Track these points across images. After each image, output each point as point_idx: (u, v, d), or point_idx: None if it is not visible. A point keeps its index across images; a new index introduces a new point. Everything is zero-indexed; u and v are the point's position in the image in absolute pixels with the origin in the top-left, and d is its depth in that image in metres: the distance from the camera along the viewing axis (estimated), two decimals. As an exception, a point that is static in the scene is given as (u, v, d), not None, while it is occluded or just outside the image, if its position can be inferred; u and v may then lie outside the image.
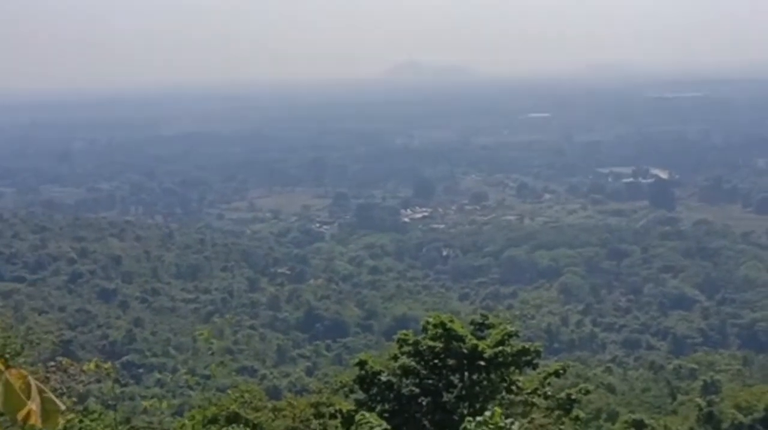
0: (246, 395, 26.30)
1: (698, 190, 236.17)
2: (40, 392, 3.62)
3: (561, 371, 23.94)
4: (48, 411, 3.77)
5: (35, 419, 3.73)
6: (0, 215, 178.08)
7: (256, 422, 23.46)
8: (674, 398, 64.31)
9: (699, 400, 56.17)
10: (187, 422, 23.36)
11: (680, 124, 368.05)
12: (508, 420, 10.87)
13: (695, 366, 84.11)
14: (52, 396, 3.62)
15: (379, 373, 22.89)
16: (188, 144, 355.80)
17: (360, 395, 23.71)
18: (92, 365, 18.74)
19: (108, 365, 21.70)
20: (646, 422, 50.17)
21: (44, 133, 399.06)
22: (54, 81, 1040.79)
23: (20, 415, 3.44)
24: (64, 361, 22.71)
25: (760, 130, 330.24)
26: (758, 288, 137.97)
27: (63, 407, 3.78)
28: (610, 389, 72.71)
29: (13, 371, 3.53)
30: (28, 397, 3.63)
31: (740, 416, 50.71)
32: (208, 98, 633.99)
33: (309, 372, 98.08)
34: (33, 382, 3.59)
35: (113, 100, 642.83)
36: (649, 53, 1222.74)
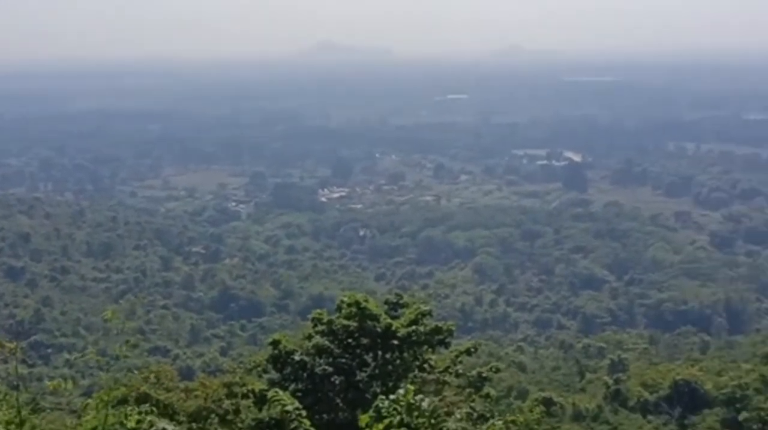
0: (157, 376, 25.85)
1: (610, 172, 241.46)
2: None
3: (473, 350, 24.17)
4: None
5: None
6: None
7: (166, 402, 23.04)
8: (583, 377, 65.82)
9: (606, 378, 57.66)
10: (94, 402, 22.85)
11: (593, 108, 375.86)
12: (419, 397, 10.88)
13: (603, 345, 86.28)
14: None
15: (293, 352, 22.77)
16: (101, 120, 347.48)
17: (273, 375, 23.56)
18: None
19: (13, 344, 21.03)
20: (555, 399, 51.30)
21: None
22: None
23: None
24: (-34, 341, 21.95)
25: (670, 115, 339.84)
26: (665, 269, 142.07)
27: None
28: (521, 367, 74.11)
29: None
30: None
31: (646, 394, 52.26)
32: (124, 74, 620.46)
33: (223, 352, 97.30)
34: None
35: (22, 73, 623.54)
36: (564, 38, 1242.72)
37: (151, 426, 12.97)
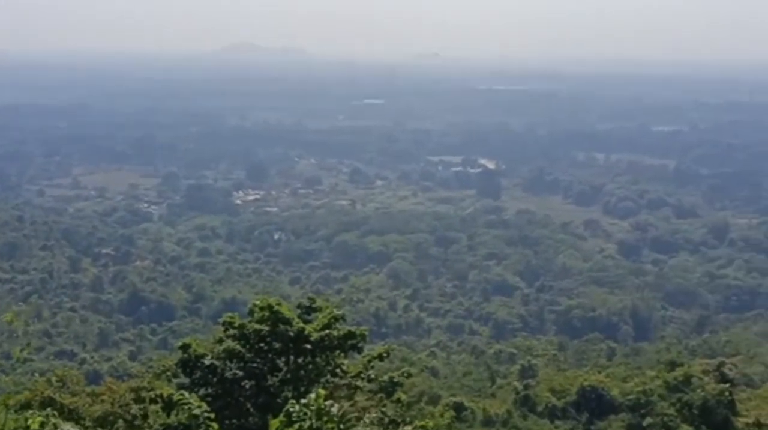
0: (62, 379, 25.23)
1: (522, 180, 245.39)
2: None
3: (385, 355, 24.32)
4: None
5: None
6: None
7: (72, 407, 22.51)
8: (494, 382, 66.63)
9: (516, 383, 58.49)
10: (-5, 407, 22.15)
11: (507, 116, 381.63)
12: (328, 402, 10.88)
13: (514, 351, 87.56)
14: None
15: (203, 356, 22.52)
16: (7, 115, 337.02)
17: (183, 379, 23.25)
18: None
19: None
20: (467, 404, 51.83)
21: None
22: None
23: None
24: None
25: (580, 125, 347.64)
26: (574, 276, 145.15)
27: None
28: (434, 372, 74.66)
29: None
30: None
31: (554, 399, 53.19)
32: (32, 68, 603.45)
33: (132, 356, 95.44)
34: None
35: None
36: (480, 47, 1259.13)
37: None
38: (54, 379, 25.26)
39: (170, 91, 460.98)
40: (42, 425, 12.33)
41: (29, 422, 12.31)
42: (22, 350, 16.42)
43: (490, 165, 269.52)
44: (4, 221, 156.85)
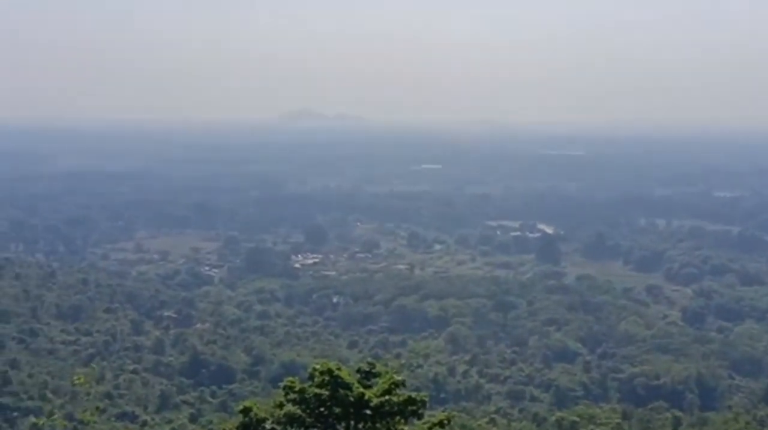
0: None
1: (581, 245, 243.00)
2: None
3: (446, 422, 24.05)
4: None
5: None
6: None
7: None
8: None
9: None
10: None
11: (564, 181, 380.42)
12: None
13: (577, 419, 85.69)
14: None
15: (264, 420, 22.59)
16: (74, 181, 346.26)
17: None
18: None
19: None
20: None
21: None
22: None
23: None
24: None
25: (640, 190, 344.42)
26: (638, 343, 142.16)
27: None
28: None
29: None
30: None
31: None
32: (98, 136, 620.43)
33: (193, 419, 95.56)
34: None
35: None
36: (535, 111, 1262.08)
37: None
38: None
39: (233, 156, 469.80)
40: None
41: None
42: (91, 414, 16.72)
43: (549, 230, 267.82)
44: (69, 284, 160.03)
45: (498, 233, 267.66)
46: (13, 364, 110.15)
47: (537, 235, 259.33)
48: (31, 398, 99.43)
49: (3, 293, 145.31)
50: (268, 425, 22.46)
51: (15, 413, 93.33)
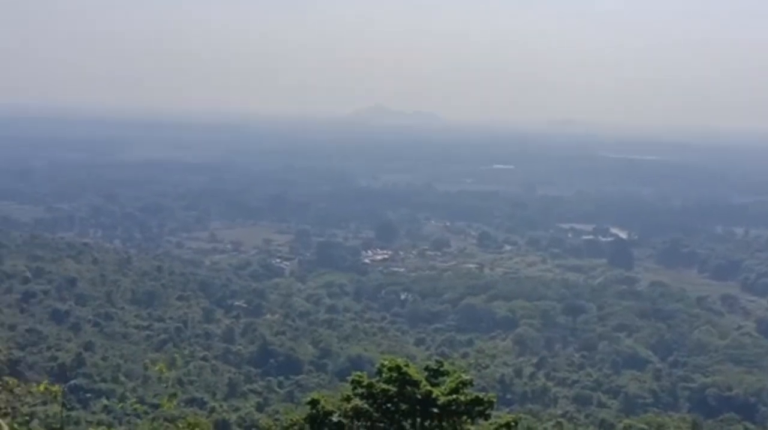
0: (192, 427, 26.00)
1: (655, 252, 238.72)
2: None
3: (513, 424, 23.89)
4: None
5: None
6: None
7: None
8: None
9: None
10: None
11: (639, 186, 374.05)
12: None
13: (645, 427, 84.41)
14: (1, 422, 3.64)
15: (331, 413, 22.77)
16: (152, 170, 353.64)
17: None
18: (41, 387, 18.48)
19: (57, 388, 21.36)
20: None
21: (2, 149, 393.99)
22: (8, 95, 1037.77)
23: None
24: (11, 381, 22.33)
25: (717, 197, 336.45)
26: (710, 353, 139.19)
27: None
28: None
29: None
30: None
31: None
32: (178, 125, 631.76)
33: (259, 408, 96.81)
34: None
35: (79, 120, 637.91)
36: (608, 114, 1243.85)
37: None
38: (185, 426, 26.02)
39: (306, 151, 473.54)
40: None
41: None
42: (168, 400, 17.12)
43: (622, 235, 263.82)
44: (144, 271, 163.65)
45: (569, 235, 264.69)
46: (88, 346, 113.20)
47: (610, 239, 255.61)
48: (104, 380, 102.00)
49: (81, 276, 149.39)
50: (335, 418, 22.63)
51: (88, 395, 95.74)
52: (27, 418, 22.42)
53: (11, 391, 21.47)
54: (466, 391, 22.90)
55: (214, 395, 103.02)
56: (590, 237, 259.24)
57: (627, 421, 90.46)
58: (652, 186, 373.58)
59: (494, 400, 23.33)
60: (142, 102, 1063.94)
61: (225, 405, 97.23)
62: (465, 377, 23.29)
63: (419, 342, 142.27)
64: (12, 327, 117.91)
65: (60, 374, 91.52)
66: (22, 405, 21.47)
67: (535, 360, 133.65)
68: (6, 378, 22.22)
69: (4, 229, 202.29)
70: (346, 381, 24.06)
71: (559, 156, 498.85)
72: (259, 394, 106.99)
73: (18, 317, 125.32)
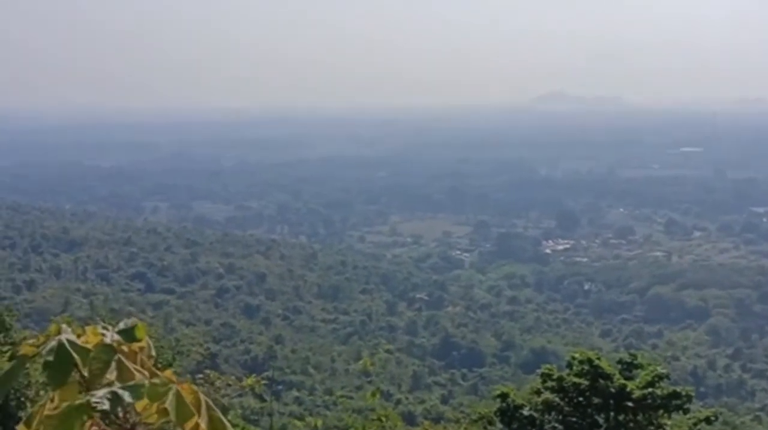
0: (380, 419, 26.31)
1: None
2: (210, 409, 3.63)
3: (713, 418, 22.87)
4: (216, 430, 3.74)
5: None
6: (154, 228, 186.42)
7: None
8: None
9: None
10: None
11: None
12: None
13: None
14: (221, 416, 3.64)
15: (522, 407, 22.45)
16: (334, 167, 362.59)
17: (499, 427, 23.31)
18: (250, 381, 19.24)
19: (253, 379, 22.12)
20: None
21: (196, 151, 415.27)
22: (198, 101, 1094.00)
23: (188, 425, 3.47)
24: (212, 374, 23.32)
25: None
26: None
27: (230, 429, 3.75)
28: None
29: (185, 385, 3.58)
30: (198, 411, 3.61)
31: None
32: (359, 122, 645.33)
33: (444, 400, 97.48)
34: (203, 399, 3.62)
35: (269, 120, 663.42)
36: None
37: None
38: (375, 418, 26.37)
39: (483, 140, 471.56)
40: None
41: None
42: (372, 395, 17.36)
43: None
44: (329, 265, 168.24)
45: (765, 220, 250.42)
46: (278, 339, 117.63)
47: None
48: (294, 372, 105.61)
49: (270, 272, 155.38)
50: (525, 412, 22.30)
51: (280, 386, 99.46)
52: (226, 408, 23.38)
53: (212, 384, 22.43)
54: (662, 384, 22.05)
55: (399, 387, 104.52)
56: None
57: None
58: None
59: (692, 394, 22.37)
60: (307, 102, 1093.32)
61: (410, 397, 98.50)
62: (660, 370, 22.45)
63: (605, 334, 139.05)
64: (208, 322, 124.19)
65: (253, 367, 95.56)
66: (221, 397, 22.39)
67: (729, 351, 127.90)
68: (207, 371, 23.23)
69: (199, 227, 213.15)
70: (531, 374, 23.74)
71: (752, 137, 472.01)
72: (443, 386, 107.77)
73: (213, 311, 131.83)
